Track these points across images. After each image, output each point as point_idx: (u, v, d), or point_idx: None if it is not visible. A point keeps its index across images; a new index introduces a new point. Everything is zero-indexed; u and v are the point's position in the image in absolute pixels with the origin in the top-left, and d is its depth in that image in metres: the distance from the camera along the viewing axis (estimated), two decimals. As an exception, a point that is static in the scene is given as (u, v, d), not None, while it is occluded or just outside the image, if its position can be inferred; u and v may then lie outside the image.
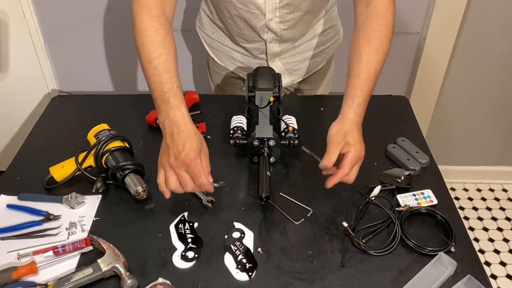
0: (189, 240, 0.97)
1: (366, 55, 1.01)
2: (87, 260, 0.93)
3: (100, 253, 0.93)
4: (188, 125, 0.95)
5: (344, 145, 0.97)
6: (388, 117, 1.32)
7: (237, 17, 1.20)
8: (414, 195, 1.06)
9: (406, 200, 1.05)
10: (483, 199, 2.30)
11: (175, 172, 0.93)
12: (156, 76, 0.96)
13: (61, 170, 1.10)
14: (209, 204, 1.05)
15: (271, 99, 1.13)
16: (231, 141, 1.13)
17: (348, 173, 0.97)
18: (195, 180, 0.93)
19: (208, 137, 1.21)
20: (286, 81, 1.40)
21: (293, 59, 1.35)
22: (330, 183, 0.97)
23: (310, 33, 1.31)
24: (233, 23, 1.23)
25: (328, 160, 0.96)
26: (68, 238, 0.99)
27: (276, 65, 1.34)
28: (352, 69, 1.02)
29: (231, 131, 1.15)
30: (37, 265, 0.91)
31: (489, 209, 2.25)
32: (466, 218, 2.20)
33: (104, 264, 0.89)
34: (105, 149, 1.07)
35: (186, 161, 0.91)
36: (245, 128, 1.16)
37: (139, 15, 1.00)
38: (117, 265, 0.89)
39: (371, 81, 1.01)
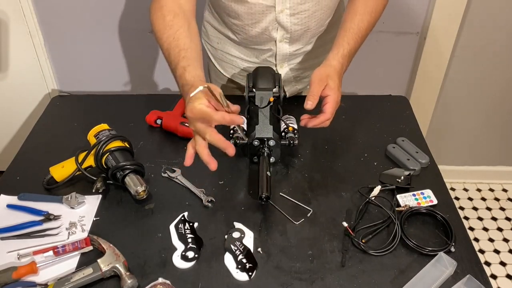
0: (189, 240, 0.97)
1: (360, 15, 1.12)
2: (87, 260, 0.93)
3: (100, 253, 0.93)
4: (186, 87, 0.92)
5: (325, 88, 1.04)
6: (388, 117, 1.32)
7: (245, 14, 1.17)
8: (414, 195, 1.06)
9: (406, 200, 1.05)
10: (483, 199, 2.30)
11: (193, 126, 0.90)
12: (169, 55, 1.01)
13: (61, 170, 1.10)
14: (209, 204, 1.05)
15: (271, 99, 1.13)
16: (231, 141, 1.13)
17: (330, 117, 1.04)
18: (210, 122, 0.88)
19: (208, 137, 1.21)
20: (292, 89, 1.39)
21: (302, 65, 1.32)
22: (312, 123, 1.05)
23: (321, 38, 1.28)
24: (240, 24, 1.20)
25: (312, 102, 1.02)
26: (68, 238, 0.99)
27: (285, 71, 1.32)
28: (344, 24, 1.13)
29: (231, 131, 1.15)
30: (37, 265, 0.91)
31: (489, 209, 2.25)
32: (466, 218, 2.20)
33: (104, 264, 0.89)
34: (105, 149, 1.07)
35: (190, 115, 0.88)
36: (245, 128, 1.16)
37: (152, 15, 1.09)
38: (117, 265, 0.89)
39: (359, 38, 1.11)
